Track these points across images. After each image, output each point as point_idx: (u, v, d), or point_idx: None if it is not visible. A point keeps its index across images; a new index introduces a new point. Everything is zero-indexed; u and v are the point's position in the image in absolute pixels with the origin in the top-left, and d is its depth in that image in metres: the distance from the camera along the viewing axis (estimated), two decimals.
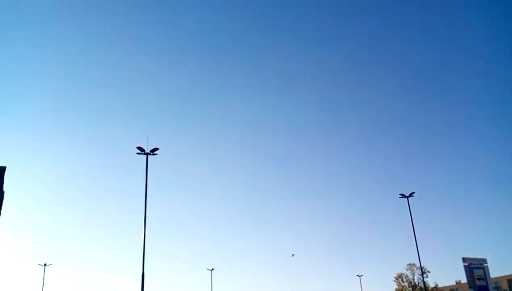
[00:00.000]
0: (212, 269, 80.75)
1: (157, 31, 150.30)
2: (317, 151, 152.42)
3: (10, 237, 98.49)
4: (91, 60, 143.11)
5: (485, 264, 63.13)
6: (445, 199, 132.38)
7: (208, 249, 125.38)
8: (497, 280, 78.58)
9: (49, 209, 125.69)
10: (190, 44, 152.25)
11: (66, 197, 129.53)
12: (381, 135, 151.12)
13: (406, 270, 77.77)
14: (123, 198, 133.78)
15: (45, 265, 73.25)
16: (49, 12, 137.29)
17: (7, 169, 29.75)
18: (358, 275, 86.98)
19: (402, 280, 77.83)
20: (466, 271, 61.82)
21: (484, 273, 62.30)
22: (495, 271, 78.60)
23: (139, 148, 38.59)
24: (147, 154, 38.50)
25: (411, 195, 55.79)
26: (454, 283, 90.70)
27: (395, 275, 78.79)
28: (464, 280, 69.44)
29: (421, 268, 66.54)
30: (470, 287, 62.12)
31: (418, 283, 74.86)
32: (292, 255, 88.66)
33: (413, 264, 76.32)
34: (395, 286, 78.72)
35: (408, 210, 54.97)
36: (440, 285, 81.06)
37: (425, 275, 71.10)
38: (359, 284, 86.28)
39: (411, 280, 77.04)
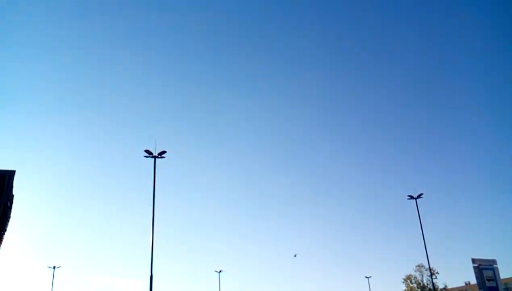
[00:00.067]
0: (220, 271, 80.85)
1: (162, 31, 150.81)
2: (324, 152, 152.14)
3: (20, 240, 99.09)
4: (94, 62, 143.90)
5: (495, 265, 62.54)
6: (454, 200, 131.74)
7: (216, 250, 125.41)
8: (507, 281, 77.90)
9: (58, 212, 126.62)
10: (191, 44, 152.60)
11: (74, 200, 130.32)
12: (387, 135, 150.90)
13: (415, 271, 77.53)
14: (131, 201, 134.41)
15: (54, 267, 73.67)
16: (51, 12, 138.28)
17: (16, 172, 30.05)
18: (366, 277, 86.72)
19: (410, 282, 77.52)
20: (475, 272, 61.27)
21: (494, 274, 61.71)
22: (505, 272, 77.97)
23: (147, 151, 38.82)
24: (155, 157, 38.73)
25: (419, 196, 55.65)
26: (464, 284, 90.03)
27: (404, 277, 78.57)
28: (473, 281, 69.03)
29: (430, 269, 66.12)
30: (479, 289, 61.57)
31: (427, 284, 74.51)
32: (295, 255, 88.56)
33: (422, 265, 76.06)
34: (403, 287, 78.46)
35: (417, 211, 54.95)
36: (449, 286, 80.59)
37: (434, 276, 70.74)
38: (368, 285, 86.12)
39: (419, 281, 76.73)
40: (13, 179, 18.80)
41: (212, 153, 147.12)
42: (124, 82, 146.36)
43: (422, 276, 76.51)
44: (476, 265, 61.45)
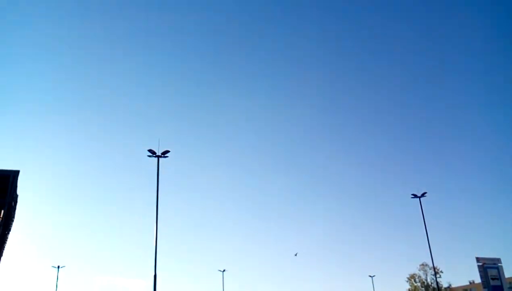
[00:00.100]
0: (224, 270, 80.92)
1: (162, 31, 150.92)
2: (325, 152, 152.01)
3: (24, 240, 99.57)
4: (94, 62, 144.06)
5: (499, 264, 62.35)
6: (458, 199, 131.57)
7: (218, 250, 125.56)
8: None
9: (62, 212, 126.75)
10: (191, 44, 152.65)
11: (78, 200, 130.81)
12: (387, 135, 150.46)
13: (419, 270, 77.40)
14: (134, 201, 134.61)
15: (58, 267, 73.97)
16: (51, 12, 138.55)
17: (20, 172, 30.14)
18: (370, 276, 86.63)
19: (415, 281, 77.40)
20: (480, 271, 61.12)
21: (499, 272, 61.52)
22: (510, 270, 77.69)
23: (150, 151, 38.90)
24: (158, 157, 38.79)
25: (423, 195, 55.55)
26: (468, 283, 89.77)
27: (408, 276, 78.41)
28: (477, 280, 68.66)
29: (434, 268, 66.01)
30: (484, 287, 61.41)
31: (431, 283, 74.34)
32: (295, 254, 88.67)
33: (426, 264, 75.88)
34: (407, 286, 78.31)
35: (420, 210, 54.82)
36: (453, 285, 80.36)
37: (438, 275, 70.59)
38: (371, 284, 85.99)
39: (424, 280, 76.56)
40: (17, 179, 18.78)
41: (213, 152, 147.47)
42: (124, 82, 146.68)
43: (426, 275, 76.44)
44: (480, 264, 61.25)
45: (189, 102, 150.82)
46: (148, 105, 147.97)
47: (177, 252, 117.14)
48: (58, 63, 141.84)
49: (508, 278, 68.22)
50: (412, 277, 77.46)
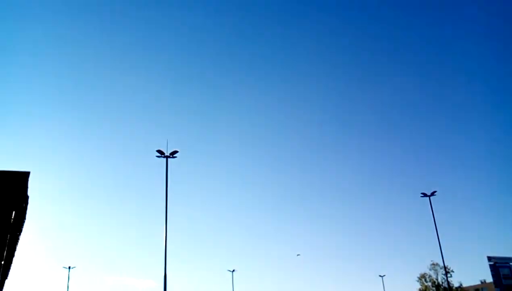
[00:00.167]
0: (233, 270, 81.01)
1: (162, 31, 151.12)
2: (335, 153, 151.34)
3: (35, 241, 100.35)
4: (100, 61, 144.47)
5: (511, 263, 61.91)
6: (469, 197, 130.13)
7: (229, 250, 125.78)
8: None
9: (72, 212, 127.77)
10: (196, 44, 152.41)
11: (88, 200, 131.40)
12: (396, 134, 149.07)
13: (430, 269, 76.55)
14: (144, 201, 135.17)
15: (69, 268, 74.54)
16: (51, 12, 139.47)
17: (31, 173, 30.44)
18: (380, 276, 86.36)
19: (425, 280, 76.68)
20: (491, 270, 60.79)
21: (510, 271, 61.10)
22: None
23: (159, 151, 39.07)
24: (167, 157, 38.95)
25: (433, 193, 55.19)
26: (479, 283, 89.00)
27: (418, 275, 77.82)
28: (489, 279, 68.15)
29: (445, 267, 65.35)
30: (496, 287, 61.05)
31: (442, 283, 73.66)
32: (297, 255, 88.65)
33: (437, 264, 75.07)
34: (418, 286, 77.74)
35: (430, 209, 54.51)
36: (464, 285, 79.61)
37: (449, 275, 69.86)
38: (382, 284, 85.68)
39: (434, 280, 75.83)
40: (27, 180, 18.97)
41: (222, 153, 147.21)
42: (133, 82, 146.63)
43: (437, 274, 75.59)
44: (492, 263, 60.91)
45: (198, 102, 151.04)
46: (156, 106, 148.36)
47: (187, 252, 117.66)
48: (66, 63, 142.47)
49: None
50: (422, 277, 76.80)
